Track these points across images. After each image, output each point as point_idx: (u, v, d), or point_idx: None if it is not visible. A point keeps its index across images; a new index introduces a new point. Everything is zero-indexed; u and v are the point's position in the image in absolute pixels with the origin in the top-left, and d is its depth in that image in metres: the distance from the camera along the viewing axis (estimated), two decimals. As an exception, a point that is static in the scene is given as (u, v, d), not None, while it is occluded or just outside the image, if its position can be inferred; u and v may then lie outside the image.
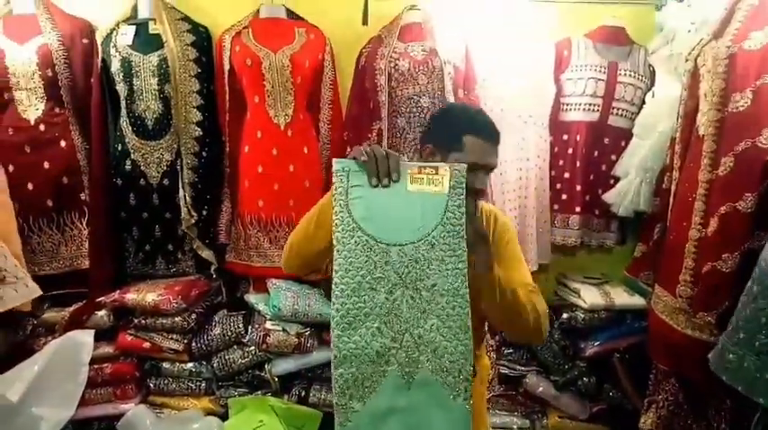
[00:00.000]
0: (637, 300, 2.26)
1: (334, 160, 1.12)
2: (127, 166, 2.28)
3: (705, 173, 1.79)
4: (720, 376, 1.56)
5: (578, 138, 2.40)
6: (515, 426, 2.24)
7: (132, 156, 2.28)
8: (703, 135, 1.82)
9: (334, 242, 1.06)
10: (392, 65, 2.24)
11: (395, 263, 1.06)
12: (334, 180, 1.10)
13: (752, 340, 1.46)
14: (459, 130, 1.25)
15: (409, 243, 1.07)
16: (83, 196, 2.28)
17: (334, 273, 1.05)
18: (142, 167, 2.29)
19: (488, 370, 1.71)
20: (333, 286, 1.05)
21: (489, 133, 1.27)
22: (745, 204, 1.70)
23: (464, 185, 1.10)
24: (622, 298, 2.28)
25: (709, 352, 1.79)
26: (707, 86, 1.81)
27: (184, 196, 2.25)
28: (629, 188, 2.26)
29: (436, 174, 1.09)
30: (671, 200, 2.03)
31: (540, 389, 2.26)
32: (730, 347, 1.53)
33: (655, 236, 2.16)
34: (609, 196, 2.34)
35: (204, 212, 2.34)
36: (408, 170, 1.10)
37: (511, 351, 2.30)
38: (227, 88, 2.29)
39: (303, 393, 2.27)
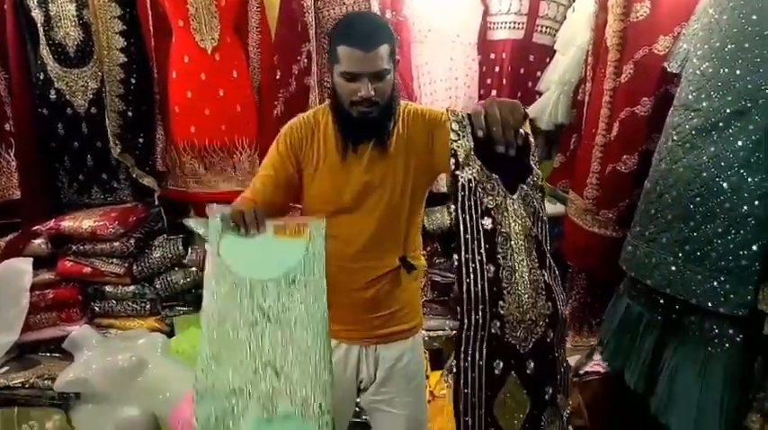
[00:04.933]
0: (558, 208, 2.38)
1: (208, 206, 1.19)
2: (51, 95, 2.24)
3: (610, 81, 1.90)
4: (622, 267, 1.74)
5: (504, 56, 2.45)
6: (447, 328, 2.41)
7: (56, 84, 2.24)
8: (609, 45, 1.92)
9: (205, 278, 1.13)
10: (318, -16, 2.22)
11: (259, 298, 1.12)
12: (209, 222, 1.17)
13: (644, 231, 1.64)
14: (336, 43, 1.29)
15: (272, 279, 1.14)
16: (8, 127, 2.24)
17: (202, 309, 1.12)
18: (68, 96, 2.25)
19: (423, 269, 1.75)
20: (201, 318, 1.11)
21: (361, 42, 1.27)
22: (643, 108, 1.83)
23: (324, 234, 1.19)
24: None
25: (611, 246, 1.98)
26: (613, -2, 1.89)
27: (109, 125, 2.23)
28: (548, 102, 2.35)
29: (298, 227, 1.19)
30: (585, 110, 2.15)
31: (469, 293, 2.42)
32: (630, 241, 1.71)
33: (571, 146, 2.29)
34: (531, 111, 2.43)
35: (140, 140, 2.32)
36: (273, 223, 1.19)
37: (442, 260, 2.44)
38: (149, 12, 2.24)
39: (247, 308, 2.37)
